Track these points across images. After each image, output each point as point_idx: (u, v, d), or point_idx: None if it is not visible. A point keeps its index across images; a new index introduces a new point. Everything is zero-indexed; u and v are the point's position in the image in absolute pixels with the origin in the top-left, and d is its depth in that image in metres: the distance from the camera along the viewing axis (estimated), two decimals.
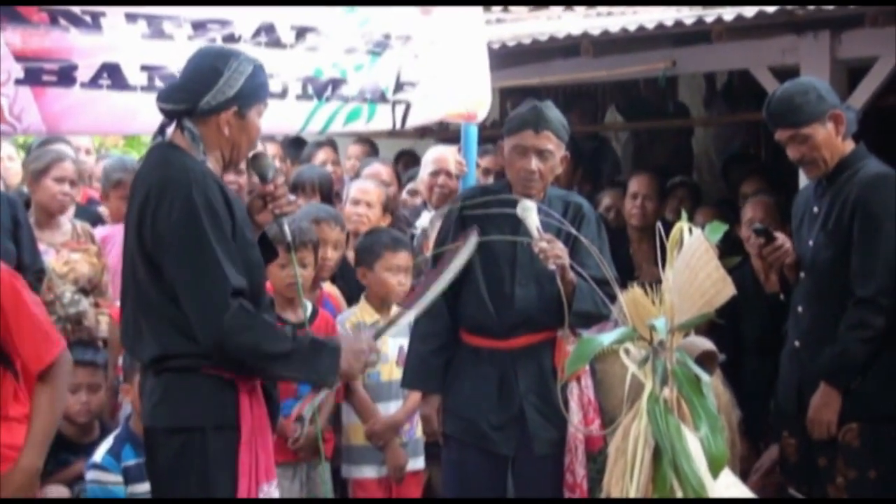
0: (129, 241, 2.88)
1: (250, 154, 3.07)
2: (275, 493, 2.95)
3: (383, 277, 4.12)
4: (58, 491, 3.85)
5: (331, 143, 5.87)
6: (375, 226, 4.62)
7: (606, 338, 2.89)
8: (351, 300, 4.39)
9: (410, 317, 3.14)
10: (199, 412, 2.80)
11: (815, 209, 3.62)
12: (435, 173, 4.99)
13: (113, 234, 4.68)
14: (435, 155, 5.07)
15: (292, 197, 3.16)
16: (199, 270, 2.75)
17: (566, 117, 3.63)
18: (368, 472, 4.09)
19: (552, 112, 3.53)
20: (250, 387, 2.88)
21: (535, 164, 3.46)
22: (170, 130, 2.93)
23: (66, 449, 3.97)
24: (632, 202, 5.11)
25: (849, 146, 3.58)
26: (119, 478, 3.67)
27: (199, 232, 2.75)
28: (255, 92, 2.92)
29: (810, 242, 3.60)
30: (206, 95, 2.85)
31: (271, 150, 5.54)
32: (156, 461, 2.86)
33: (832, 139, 3.52)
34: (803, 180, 4.06)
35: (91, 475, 3.71)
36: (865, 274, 3.44)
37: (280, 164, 5.63)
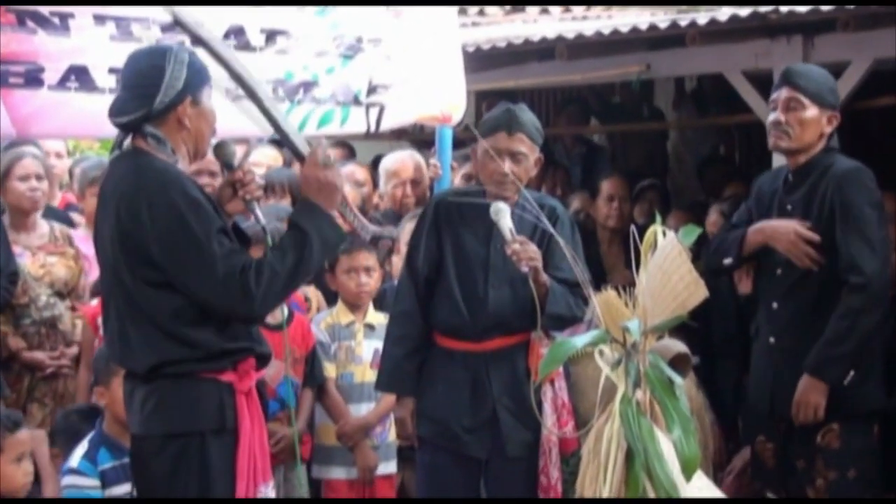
0: (106, 251, 2.85)
1: (213, 143, 3.06)
2: (271, 494, 2.95)
3: (342, 280, 4.15)
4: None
5: None
6: (348, 229, 4.60)
7: (580, 340, 2.88)
8: (330, 301, 4.40)
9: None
10: (197, 417, 2.79)
11: (789, 207, 3.63)
12: (397, 186, 4.93)
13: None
14: (393, 167, 4.98)
15: (261, 181, 3.14)
16: (203, 272, 2.73)
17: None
18: (338, 473, 4.10)
19: (525, 115, 3.53)
20: (247, 389, 2.87)
21: (508, 166, 3.45)
22: (127, 141, 2.90)
23: None
24: (608, 204, 5.11)
25: (821, 147, 3.61)
26: (97, 482, 3.61)
27: (190, 234, 2.73)
28: (200, 76, 2.91)
29: None
30: (158, 95, 2.82)
31: (270, 154, 5.49)
32: (150, 468, 2.83)
33: (816, 129, 3.57)
34: None
35: (67, 480, 3.65)
36: (857, 263, 3.44)
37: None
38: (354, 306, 4.16)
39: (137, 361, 2.81)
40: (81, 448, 3.69)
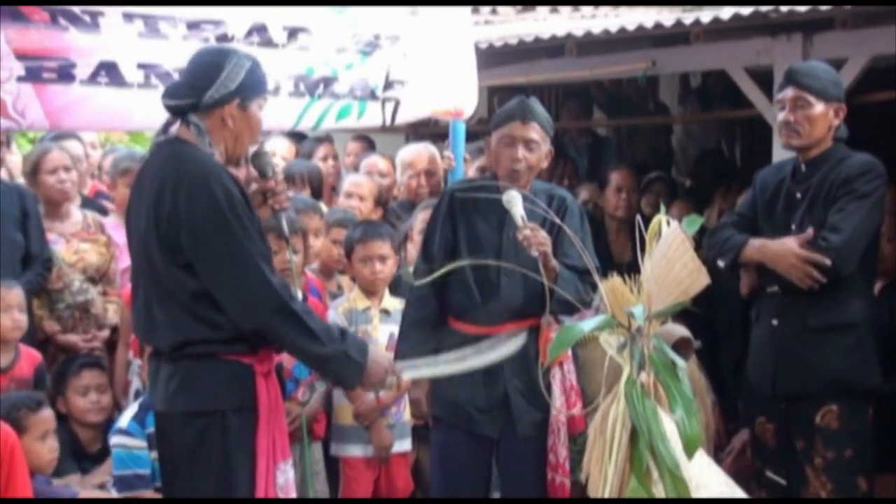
0: (139, 232, 2.93)
1: (251, 151, 3.16)
2: (290, 471, 3.04)
3: (358, 268, 4.24)
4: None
5: (329, 139, 5.97)
6: (366, 218, 4.74)
7: (587, 324, 2.96)
8: None
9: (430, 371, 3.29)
10: (219, 395, 2.88)
11: (798, 195, 3.69)
12: (412, 176, 5.05)
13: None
14: (409, 158, 5.09)
15: (291, 193, 3.28)
16: (236, 265, 2.82)
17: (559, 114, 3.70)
18: (355, 451, 4.21)
19: (538, 106, 3.63)
20: (266, 370, 2.96)
21: (521, 153, 3.54)
22: (174, 128, 3.00)
23: (87, 458, 4.10)
24: (617, 195, 5.24)
25: (831, 142, 3.68)
26: (143, 443, 3.74)
27: (225, 225, 2.82)
28: (255, 85, 3.00)
29: (793, 227, 3.67)
30: (209, 89, 2.93)
31: (283, 146, 5.62)
32: (174, 444, 2.93)
33: (825, 123, 3.63)
34: None
35: (116, 440, 3.79)
36: (832, 243, 3.48)
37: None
38: (370, 292, 4.25)
39: (162, 340, 2.91)
40: (132, 410, 3.81)
